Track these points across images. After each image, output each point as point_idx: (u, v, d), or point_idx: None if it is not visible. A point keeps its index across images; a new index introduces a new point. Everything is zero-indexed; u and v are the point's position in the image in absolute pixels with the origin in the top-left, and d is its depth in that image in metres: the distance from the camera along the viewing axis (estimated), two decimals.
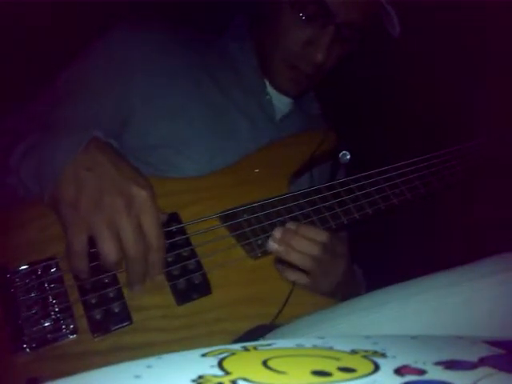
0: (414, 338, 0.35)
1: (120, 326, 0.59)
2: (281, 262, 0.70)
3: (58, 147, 0.61)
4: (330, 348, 0.32)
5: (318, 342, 0.33)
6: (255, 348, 0.31)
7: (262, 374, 0.27)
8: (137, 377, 0.26)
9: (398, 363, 0.29)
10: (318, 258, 0.68)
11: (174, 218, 0.68)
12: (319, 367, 0.28)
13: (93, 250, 0.60)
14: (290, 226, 0.69)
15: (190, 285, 0.64)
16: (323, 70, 0.84)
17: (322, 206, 0.74)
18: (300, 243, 0.67)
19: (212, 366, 0.28)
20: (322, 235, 0.69)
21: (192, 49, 0.86)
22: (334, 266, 0.71)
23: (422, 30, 1.06)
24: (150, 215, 0.60)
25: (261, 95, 0.89)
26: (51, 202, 0.60)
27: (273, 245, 0.68)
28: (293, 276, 0.69)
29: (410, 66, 1.20)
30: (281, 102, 0.91)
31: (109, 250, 0.58)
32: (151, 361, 0.28)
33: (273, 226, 0.70)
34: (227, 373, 0.27)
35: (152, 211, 0.60)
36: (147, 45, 0.81)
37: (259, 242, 0.69)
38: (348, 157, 0.81)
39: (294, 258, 0.68)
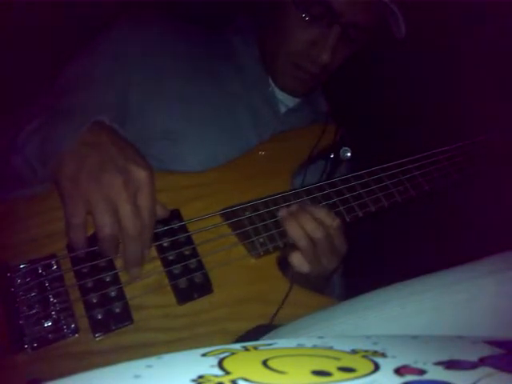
0: (414, 337, 0.35)
1: (121, 325, 0.59)
2: (283, 261, 0.70)
3: (62, 126, 0.63)
4: (330, 348, 0.32)
5: (318, 342, 0.33)
6: (255, 348, 0.31)
7: (262, 374, 0.27)
8: (137, 376, 0.26)
9: (398, 363, 0.29)
10: (315, 242, 0.68)
11: (175, 214, 0.68)
12: (319, 367, 0.28)
13: (93, 248, 0.61)
14: (306, 205, 0.69)
15: (191, 284, 0.64)
16: (329, 70, 0.84)
17: (324, 203, 0.74)
18: (304, 221, 0.67)
19: (212, 366, 0.28)
20: (330, 219, 0.68)
21: (192, 44, 0.87)
22: (326, 257, 0.70)
23: (425, 29, 1.06)
24: (147, 195, 0.61)
25: (263, 87, 0.89)
26: (53, 178, 0.61)
27: (283, 212, 0.69)
28: (293, 258, 0.69)
29: (414, 63, 1.20)
30: (284, 96, 0.91)
31: (105, 222, 0.58)
32: (151, 361, 0.28)
33: (275, 225, 0.70)
34: (227, 372, 0.27)
35: (149, 191, 0.61)
36: (147, 41, 0.82)
37: (261, 240, 0.69)
38: (349, 153, 0.81)
39: (294, 232, 0.67)
